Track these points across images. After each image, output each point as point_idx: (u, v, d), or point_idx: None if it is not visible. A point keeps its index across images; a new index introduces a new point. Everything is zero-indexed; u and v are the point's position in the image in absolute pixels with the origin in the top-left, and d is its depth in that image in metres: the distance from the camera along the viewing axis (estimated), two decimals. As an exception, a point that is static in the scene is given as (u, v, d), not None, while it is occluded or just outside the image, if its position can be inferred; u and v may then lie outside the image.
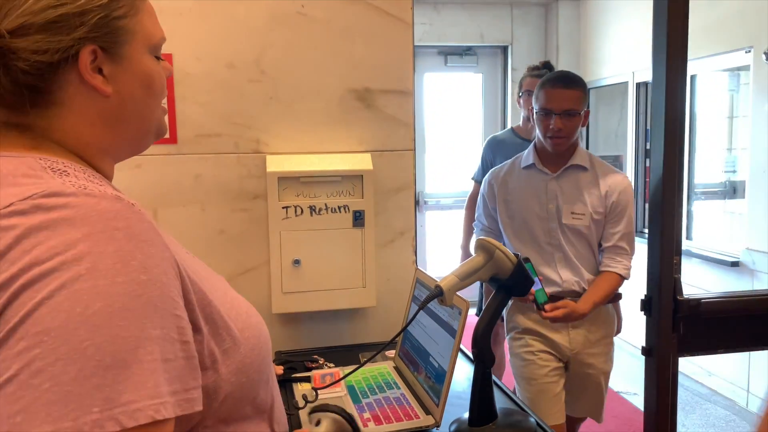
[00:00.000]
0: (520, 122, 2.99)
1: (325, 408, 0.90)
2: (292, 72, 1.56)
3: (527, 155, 2.00)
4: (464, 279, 1.06)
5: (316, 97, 1.59)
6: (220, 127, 1.55)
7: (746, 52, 3.37)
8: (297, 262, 1.54)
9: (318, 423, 0.89)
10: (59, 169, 0.62)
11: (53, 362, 0.49)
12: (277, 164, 1.54)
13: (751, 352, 3.26)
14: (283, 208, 1.53)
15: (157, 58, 0.73)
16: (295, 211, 1.53)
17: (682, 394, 2.28)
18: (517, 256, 1.09)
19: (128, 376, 0.52)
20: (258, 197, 1.58)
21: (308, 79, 1.57)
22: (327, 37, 1.57)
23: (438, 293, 1.04)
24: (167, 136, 1.50)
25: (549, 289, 1.91)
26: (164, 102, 0.78)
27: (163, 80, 0.73)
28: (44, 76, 0.62)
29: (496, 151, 2.93)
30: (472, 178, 3.11)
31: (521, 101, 2.93)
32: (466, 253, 2.94)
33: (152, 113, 0.73)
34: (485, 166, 2.95)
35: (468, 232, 3.10)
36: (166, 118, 0.79)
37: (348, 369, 1.36)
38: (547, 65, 2.94)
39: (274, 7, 1.54)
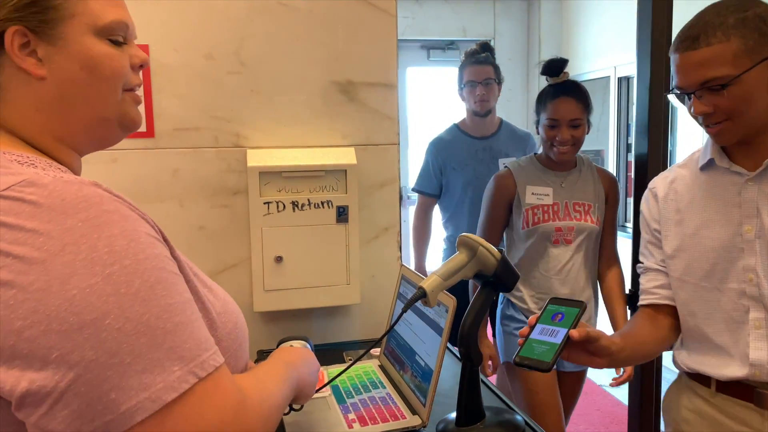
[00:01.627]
0: (466, 117, 2.62)
1: (290, 338, 1.07)
2: (273, 64, 1.52)
3: (705, 148, 1.22)
4: (448, 278, 1.04)
5: (297, 89, 1.55)
6: (198, 121, 1.50)
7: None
8: (279, 259, 1.50)
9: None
10: (26, 162, 0.61)
11: (125, 339, 0.55)
12: (258, 159, 1.50)
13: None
14: (264, 203, 1.49)
15: (114, 42, 0.70)
16: (277, 207, 1.50)
17: (665, 387, 2.29)
18: (501, 251, 1.06)
19: (189, 335, 0.59)
20: (238, 192, 1.54)
21: (290, 71, 1.54)
22: (309, 28, 1.53)
23: (421, 295, 1.01)
24: (143, 129, 1.46)
25: (728, 371, 1.14)
26: (138, 91, 0.75)
27: (116, 65, 0.69)
28: None
29: (445, 154, 2.56)
30: (414, 189, 2.68)
31: (464, 93, 2.56)
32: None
33: (104, 99, 0.70)
34: (429, 174, 2.60)
35: (420, 252, 2.70)
36: (140, 109, 0.76)
37: (332, 368, 1.34)
38: (485, 47, 2.58)
39: (255, -3, 1.49)
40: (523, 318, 1.95)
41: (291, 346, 1.03)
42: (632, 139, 2.79)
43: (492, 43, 5.07)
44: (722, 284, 1.15)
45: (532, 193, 1.89)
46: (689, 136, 4.01)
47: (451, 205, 2.62)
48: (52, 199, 0.56)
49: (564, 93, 1.82)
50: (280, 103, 1.54)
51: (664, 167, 1.96)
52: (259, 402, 0.66)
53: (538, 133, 1.88)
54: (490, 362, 2.03)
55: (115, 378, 0.54)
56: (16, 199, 0.55)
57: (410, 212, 5.18)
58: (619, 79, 4.38)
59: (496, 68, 2.58)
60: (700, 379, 1.22)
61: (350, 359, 1.46)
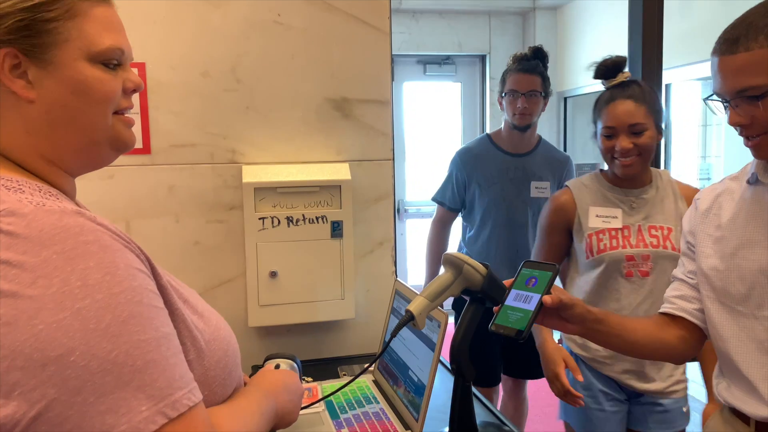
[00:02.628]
0: (502, 127, 2.34)
1: (277, 355, 1.05)
2: (269, 81, 1.54)
3: (753, 161, 1.10)
4: (434, 299, 1.04)
5: (293, 106, 1.56)
6: (195, 137, 1.52)
7: (719, 62, 3.43)
8: (274, 274, 1.51)
9: (277, 367, 1.02)
10: (13, 187, 0.61)
11: (90, 377, 0.53)
12: (253, 174, 1.51)
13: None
14: (259, 219, 1.50)
15: (108, 66, 0.69)
16: (272, 222, 1.51)
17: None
18: (486, 266, 1.05)
19: (160, 372, 0.56)
20: (234, 208, 1.55)
21: (285, 88, 1.55)
22: (304, 46, 1.55)
23: (409, 318, 1.02)
24: (139, 146, 1.47)
25: (762, 412, 1.00)
26: (130, 114, 0.75)
27: (108, 89, 0.69)
28: None
29: (471, 167, 2.28)
30: (434, 199, 2.40)
31: (503, 102, 2.26)
32: None
33: (93, 123, 0.69)
34: (451, 186, 2.34)
35: (432, 269, 2.46)
36: (136, 127, 0.76)
37: (326, 383, 1.34)
38: (537, 53, 2.22)
39: (250, 15, 1.51)
40: (585, 369, 1.62)
41: (277, 366, 1.02)
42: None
43: (488, 59, 5.16)
44: (759, 311, 1.02)
45: (597, 216, 1.59)
46: (683, 148, 4.04)
47: (472, 225, 2.35)
48: (29, 229, 0.55)
49: (621, 95, 1.55)
50: (275, 119, 1.56)
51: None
52: None
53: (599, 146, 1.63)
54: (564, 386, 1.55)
55: (77, 417, 0.52)
56: None
57: (407, 226, 5.21)
58: (614, 93, 4.41)
59: (545, 79, 2.23)
60: (739, 414, 1.08)
61: (345, 374, 1.46)
